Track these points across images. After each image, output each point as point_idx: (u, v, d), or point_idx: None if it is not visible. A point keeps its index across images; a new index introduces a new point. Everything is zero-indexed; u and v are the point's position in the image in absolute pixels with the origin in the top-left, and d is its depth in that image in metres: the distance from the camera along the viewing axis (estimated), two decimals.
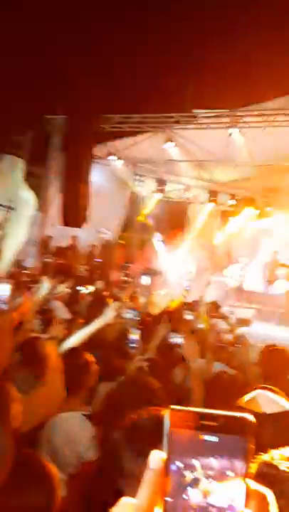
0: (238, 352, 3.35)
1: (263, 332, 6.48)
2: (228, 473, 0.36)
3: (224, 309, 7.81)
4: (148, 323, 4.05)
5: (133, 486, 0.37)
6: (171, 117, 8.31)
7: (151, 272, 11.57)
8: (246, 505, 0.35)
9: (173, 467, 0.36)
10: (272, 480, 0.87)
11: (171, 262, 11.93)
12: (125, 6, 11.29)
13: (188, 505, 0.35)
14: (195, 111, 8.30)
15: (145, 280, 9.82)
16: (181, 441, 0.36)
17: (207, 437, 0.36)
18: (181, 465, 0.36)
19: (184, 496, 0.35)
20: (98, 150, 9.45)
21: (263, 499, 0.36)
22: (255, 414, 1.39)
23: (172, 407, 0.36)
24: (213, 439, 0.36)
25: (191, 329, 3.91)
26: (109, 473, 1.15)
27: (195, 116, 8.22)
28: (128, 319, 3.48)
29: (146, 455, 0.37)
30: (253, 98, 8.17)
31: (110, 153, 9.47)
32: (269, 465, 0.94)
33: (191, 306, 6.08)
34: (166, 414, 0.38)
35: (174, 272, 11.37)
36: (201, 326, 4.70)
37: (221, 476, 0.36)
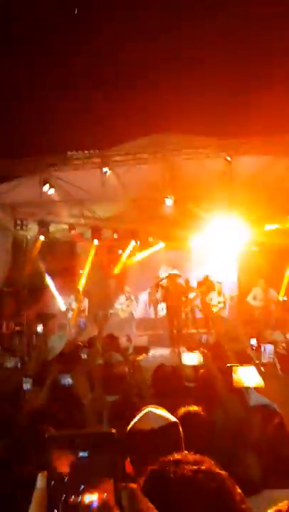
0: (132, 379, 3.46)
1: (159, 354, 6.75)
2: (101, 479, 0.43)
3: (122, 340, 7.94)
4: (41, 370, 3.95)
5: None
6: (45, 160, 8.43)
7: (46, 317, 11.21)
8: (117, 503, 0.43)
9: (53, 483, 0.42)
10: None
11: (65, 302, 11.77)
12: None
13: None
14: (69, 152, 8.57)
15: (40, 327, 9.50)
16: (61, 459, 0.43)
17: (81, 453, 0.43)
18: (62, 479, 0.42)
19: (65, 505, 0.42)
20: None
21: (132, 495, 0.44)
22: (145, 431, 1.51)
23: (50, 431, 0.43)
24: (85, 454, 0.44)
25: (87, 368, 3.91)
26: None
27: (69, 158, 8.47)
28: (12, 368, 3.34)
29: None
30: (120, 138, 8.83)
31: None
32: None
33: (89, 344, 6.09)
34: (47, 437, 0.45)
35: (69, 313, 11.19)
36: (99, 361, 4.73)
37: (94, 484, 0.43)
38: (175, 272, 10.81)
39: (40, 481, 0.44)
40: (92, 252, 12.40)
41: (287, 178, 8.27)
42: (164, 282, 10.97)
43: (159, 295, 11.14)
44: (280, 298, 11.22)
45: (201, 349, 2.87)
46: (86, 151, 8.36)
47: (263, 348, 4.57)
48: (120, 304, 11.51)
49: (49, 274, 12.45)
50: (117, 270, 12.65)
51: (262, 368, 1.67)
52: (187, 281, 11.85)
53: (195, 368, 3.28)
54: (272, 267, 12.18)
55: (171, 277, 10.50)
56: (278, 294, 11.03)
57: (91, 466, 0.43)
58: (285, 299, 11.57)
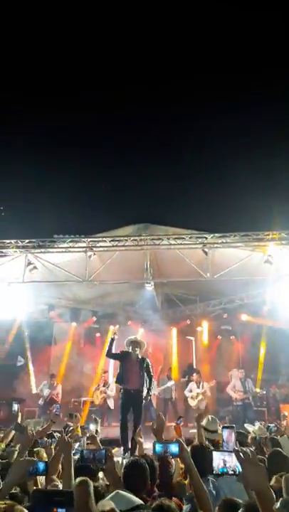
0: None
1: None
2: None
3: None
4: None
5: None
6: (32, 242, 8.77)
7: (16, 400, 10.67)
8: None
9: None
10: None
11: (40, 386, 11.23)
12: None
13: None
14: (55, 236, 8.98)
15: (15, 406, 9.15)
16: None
17: (60, 509, 0.57)
18: None
19: None
20: None
21: None
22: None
23: (34, 488, 0.55)
24: (62, 509, 0.57)
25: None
26: None
27: (55, 241, 8.85)
28: None
29: None
30: (106, 226, 9.39)
31: None
32: None
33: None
34: (32, 492, 0.59)
35: (40, 399, 10.64)
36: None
37: None
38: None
39: None
40: (70, 334, 12.25)
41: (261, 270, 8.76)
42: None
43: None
44: (258, 390, 11.10)
45: (178, 438, 2.86)
46: (72, 236, 8.79)
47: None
48: (97, 389, 11.03)
49: (23, 357, 12.09)
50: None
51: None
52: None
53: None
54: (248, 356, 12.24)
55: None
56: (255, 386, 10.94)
57: None
58: (264, 392, 11.44)
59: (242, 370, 10.57)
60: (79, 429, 5.79)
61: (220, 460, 2.00)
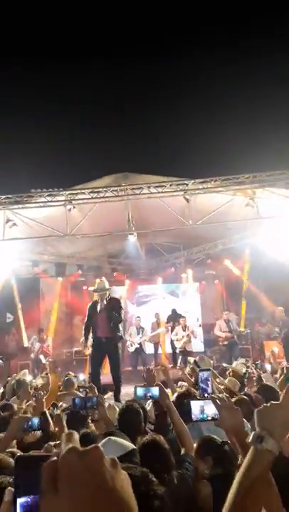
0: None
1: (125, 392, 6.71)
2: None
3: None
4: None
5: None
6: (9, 198, 8.50)
7: (6, 356, 10.88)
8: None
9: (20, 499, 0.53)
10: None
11: (31, 340, 11.45)
12: None
13: None
14: (32, 190, 8.70)
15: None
16: (26, 477, 0.54)
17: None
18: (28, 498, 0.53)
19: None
20: None
21: None
22: None
23: (19, 454, 0.52)
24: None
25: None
26: None
27: (32, 196, 8.59)
28: None
29: None
30: (84, 177, 9.10)
31: None
32: None
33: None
34: (16, 458, 0.56)
35: (32, 352, 10.88)
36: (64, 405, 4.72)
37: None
38: None
39: (7, 495, 0.50)
40: (57, 288, 12.31)
41: (243, 215, 8.78)
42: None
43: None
44: (242, 330, 11.59)
45: (158, 382, 2.97)
46: (50, 189, 8.53)
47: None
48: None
49: (11, 312, 12.18)
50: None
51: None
52: (157, 315, 11.96)
53: (155, 402, 3.37)
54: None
55: None
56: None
57: None
58: (248, 331, 11.94)
59: (226, 312, 10.97)
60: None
61: (198, 408, 2.10)
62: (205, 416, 2.08)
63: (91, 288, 6.85)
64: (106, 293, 6.93)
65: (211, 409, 2.01)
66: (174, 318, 11.22)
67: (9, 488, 0.51)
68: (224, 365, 6.97)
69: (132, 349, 10.86)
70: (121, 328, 7.04)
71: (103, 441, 2.00)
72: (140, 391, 2.69)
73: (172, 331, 10.88)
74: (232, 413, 1.66)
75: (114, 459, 0.52)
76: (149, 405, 3.71)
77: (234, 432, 1.64)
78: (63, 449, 0.49)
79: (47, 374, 6.02)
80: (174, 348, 10.76)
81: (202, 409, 2.08)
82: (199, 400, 2.19)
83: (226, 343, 10.42)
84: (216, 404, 1.75)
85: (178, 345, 10.44)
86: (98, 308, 6.74)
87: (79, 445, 0.51)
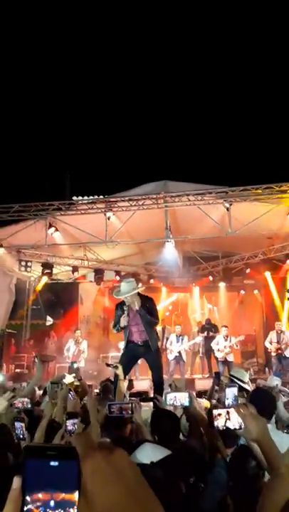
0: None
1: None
2: (65, 483, 0.56)
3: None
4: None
5: None
6: (52, 205, 8.79)
7: (46, 359, 11.14)
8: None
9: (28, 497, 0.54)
10: None
11: (68, 344, 11.66)
12: None
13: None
14: (74, 198, 8.97)
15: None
16: (34, 467, 0.56)
17: (52, 462, 0.56)
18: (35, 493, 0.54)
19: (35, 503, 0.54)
20: None
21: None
22: (145, 465, 1.65)
23: (27, 444, 0.54)
24: (55, 463, 0.56)
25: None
26: None
27: (74, 203, 8.84)
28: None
29: None
30: (123, 186, 9.26)
31: None
32: None
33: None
34: (24, 448, 0.58)
35: (68, 357, 11.06)
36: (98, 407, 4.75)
37: (60, 488, 0.55)
38: None
39: (16, 482, 0.49)
40: (95, 294, 12.49)
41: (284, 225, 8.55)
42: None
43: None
44: None
45: (187, 390, 2.94)
46: (91, 197, 8.75)
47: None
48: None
49: (51, 316, 12.49)
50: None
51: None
52: (197, 323, 11.84)
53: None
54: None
55: None
56: None
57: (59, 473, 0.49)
58: None
59: (278, 323, 10.42)
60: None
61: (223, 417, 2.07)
62: (230, 425, 2.05)
63: (117, 295, 5.45)
64: (135, 295, 5.96)
65: (235, 419, 1.98)
66: (209, 328, 11.06)
67: (17, 476, 0.50)
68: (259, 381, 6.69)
69: (171, 357, 10.79)
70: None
71: (140, 447, 2.00)
72: (169, 398, 2.65)
73: (206, 340, 10.71)
74: (256, 422, 1.63)
75: (133, 462, 0.52)
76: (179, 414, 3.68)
77: (259, 441, 1.61)
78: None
79: (80, 380, 6.07)
80: (208, 356, 10.58)
81: (226, 418, 2.05)
82: (222, 408, 2.16)
83: (274, 354, 9.97)
84: (240, 414, 1.72)
85: (219, 355, 10.22)
86: (130, 311, 5.81)
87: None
